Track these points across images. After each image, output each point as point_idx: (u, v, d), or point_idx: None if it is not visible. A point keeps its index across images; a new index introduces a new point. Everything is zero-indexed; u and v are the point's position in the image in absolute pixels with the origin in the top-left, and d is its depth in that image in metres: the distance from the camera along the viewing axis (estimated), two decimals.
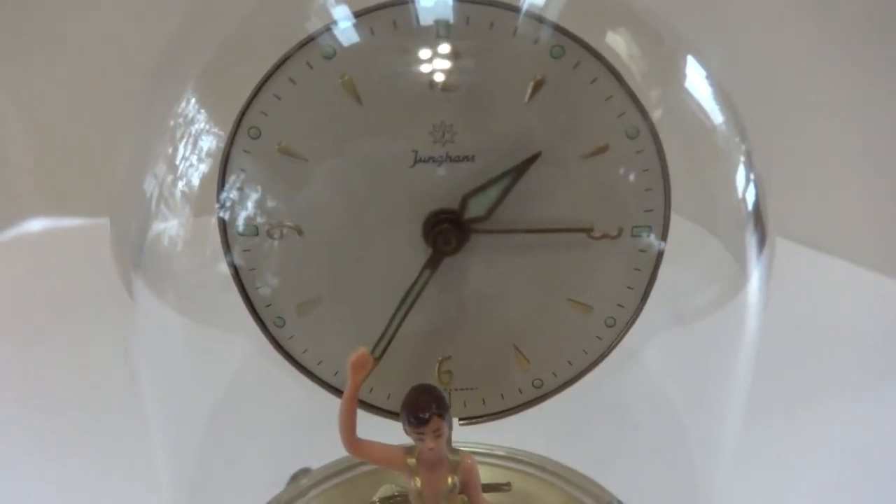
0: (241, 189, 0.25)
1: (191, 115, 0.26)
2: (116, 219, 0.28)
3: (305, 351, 0.28)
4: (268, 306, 0.27)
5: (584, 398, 0.28)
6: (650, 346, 0.29)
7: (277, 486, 0.32)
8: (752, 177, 0.27)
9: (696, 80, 0.27)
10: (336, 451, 0.25)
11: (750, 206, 0.27)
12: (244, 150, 0.25)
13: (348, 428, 0.23)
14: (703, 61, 0.26)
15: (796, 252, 0.66)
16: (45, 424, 0.47)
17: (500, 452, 0.36)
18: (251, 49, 0.26)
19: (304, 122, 0.25)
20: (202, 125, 0.26)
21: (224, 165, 0.25)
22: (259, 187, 0.25)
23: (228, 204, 0.25)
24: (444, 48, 0.24)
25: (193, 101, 0.26)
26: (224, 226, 0.26)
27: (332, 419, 0.25)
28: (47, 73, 0.74)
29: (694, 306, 0.28)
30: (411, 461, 0.23)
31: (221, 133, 0.25)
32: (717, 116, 0.26)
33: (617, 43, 0.25)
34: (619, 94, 0.25)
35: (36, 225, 0.79)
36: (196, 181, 0.26)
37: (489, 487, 0.27)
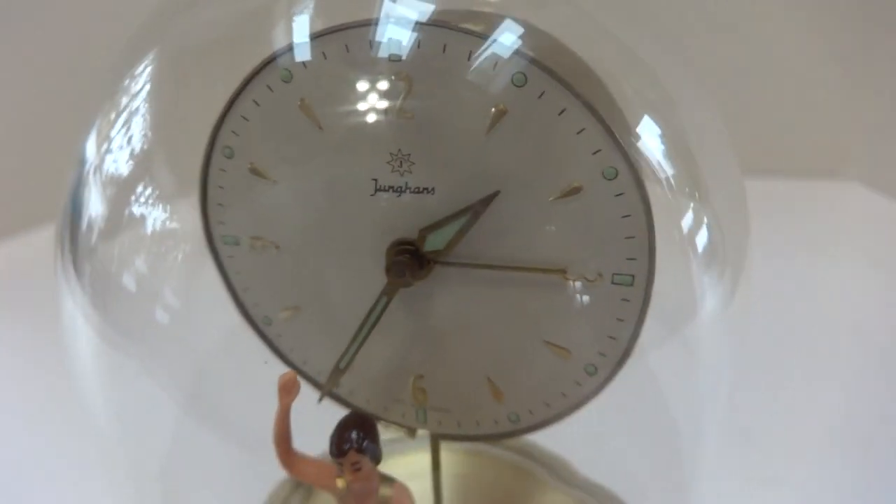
0: (220, 205, 0.26)
1: (137, 92, 0.26)
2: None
3: (292, 349, 0.29)
4: (255, 305, 0.29)
5: None
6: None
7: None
8: (704, 220, 0.24)
9: (650, 139, 0.22)
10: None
11: (700, 248, 0.24)
12: (220, 169, 0.26)
13: (282, 445, 0.24)
14: (660, 119, 0.22)
15: None
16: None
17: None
18: (217, 53, 0.26)
19: (269, 144, 0.25)
20: (141, 109, 0.26)
21: (204, 180, 0.26)
22: (236, 204, 0.26)
23: (211, 215, 0.27)
24: (396, 72, 0.22)
25: (147, 72, 0.27)
26: (210, 233, 0.27)
27: (314, 418, 0.27)
28: None
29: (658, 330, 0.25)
30: (342, 485, 0.24)
31: (149, 132, 0.25)
32: (668, 169, 0.22)
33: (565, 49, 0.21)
34: (593, 129, 0.21)
35: None
36: (121, 170, 0.26)
37: None
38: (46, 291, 0.27)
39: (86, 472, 0.38)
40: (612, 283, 0.23)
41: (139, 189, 0.26)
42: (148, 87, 0.26)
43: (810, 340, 0.52)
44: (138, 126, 0.26)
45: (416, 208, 0.24)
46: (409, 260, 0.24)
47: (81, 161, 0.26)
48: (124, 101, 0.26)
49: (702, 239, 0.24)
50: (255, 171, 0.25)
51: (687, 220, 0.24)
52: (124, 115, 0.26)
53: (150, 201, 0.26)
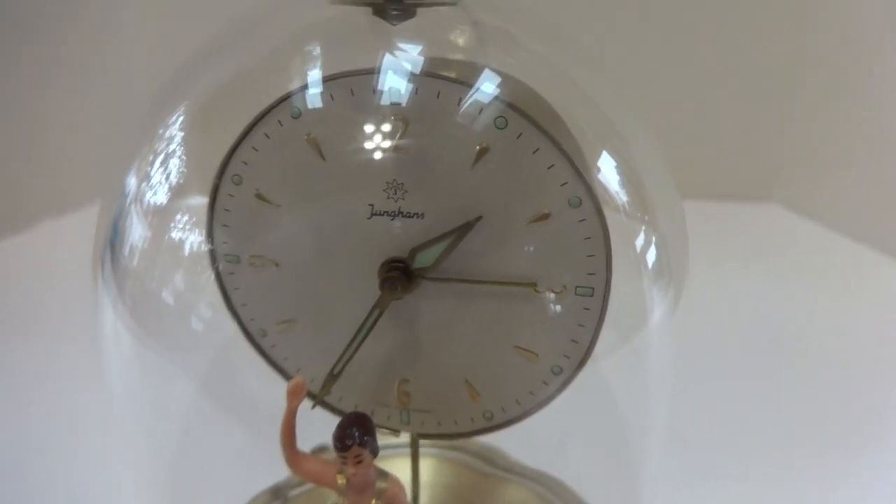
0: (225, 226, 0.29)
1: (173, 138, 0.30)
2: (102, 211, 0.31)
3: (286, 359, 0.32)
4: (251, 320, 0.31)
5: None
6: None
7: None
8: (653, 240, 0.29)
9: (607, 171, 0.27)
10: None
11: (650, 264, 0.29)
12: (229, 195, 0.29)
13: (288, 446, 0.27)
14: (615, 154, 0.27)
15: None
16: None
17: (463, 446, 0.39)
18: (238, 98, 0.29)
19: (276, 172, 0.28)
20: (177, 154, 0.29)
21: (212, 204, 0.29)
22: (241, 225, 0.29)
23: (216, 236, 0.29)
24: (396, 114, 0.26)
25: (179, 122, 0.30)
26: (213, 252, 0.30)
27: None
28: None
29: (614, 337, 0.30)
30: (341, 481, 0.27)
31: (185, 169, 0.28)
32: (623, 197, 0.27)
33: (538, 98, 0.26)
34: (561, 164, 0.25)
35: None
36: (162, 201, 0.29)
37: None
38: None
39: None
40: (576, 294, 0.27)
41: (178, 217, 0.28)
42: (181, 133, 0.29)
43: (739, 346, 0.58)
44: (175, 165, 0.29)
45: (408, 231, 0.27)
46: (400, 276, 0.28)
47: (123, 195, 0.29)
48: (160, 145, 0.29)
49: (651, 256, 0.28)
50: (260, 197, 0.28)
51: (639, 241, 0.28)
52: (161, 156, 0.29)
53: (188, 227, 0.29)
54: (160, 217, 0.29)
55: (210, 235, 0.29)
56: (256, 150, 0.28)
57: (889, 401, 0.52)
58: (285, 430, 0.27)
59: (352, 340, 0.29)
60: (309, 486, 0.40)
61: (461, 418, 0.32)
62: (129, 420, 0.32)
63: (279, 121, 0.27)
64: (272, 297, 0.30)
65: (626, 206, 0.27)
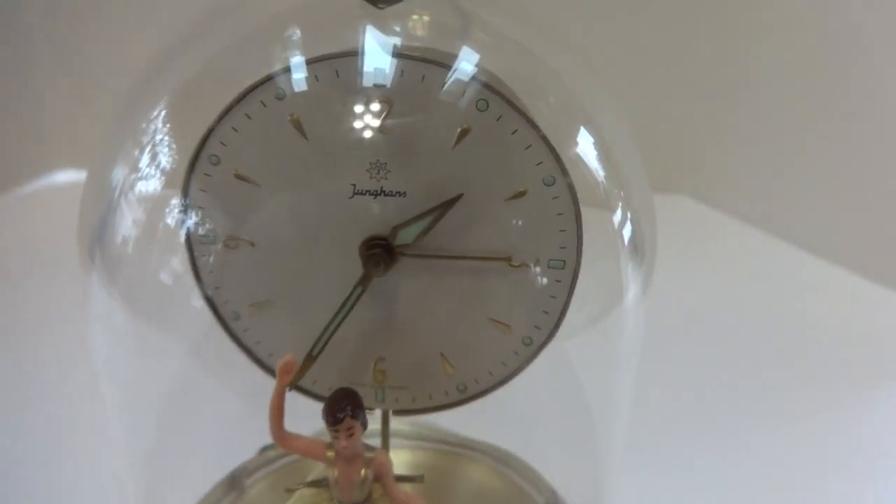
0: (201, 207, 0.29)
1: (158, 128, 0.29)
2: (84, 204, 0.31)
3: (258, 343, 0.32)
4: (225, 302, 0.31)
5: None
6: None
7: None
8: (628, 216, 0.31)
9: (586, 147, 0.29)
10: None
11: (626, 239, 0.31)
12: (205, 174, 0.28)
13: (277, 422, 0.27)
14: (593, 130, 0.29)
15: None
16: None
17: (432, 435, 0.40)
18: (217, 82, 0.29)
19: (257, 152, 0.28)
20: (165, 141, 0.29)
21: (187, 184, 0.28)
22: (218, 205, 0.29)
23: (190, 215, 0.29)
24: (380, 96, 0.27)
25: (163, 115, 0.30)
26: (187, 233, 0.29)
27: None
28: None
29: (592, 313, 0.32)
30: (330, 454, 0.27)
31: (177, 155, 0.28)
32: (600, 174, 0.29)
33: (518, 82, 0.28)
34: (537, 145, 0.27)
35: (63, 177, 0.84)
36: (154, 188, 0.29)
37: (404, 479, 0.31)
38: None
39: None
40: (548, 267, 0.29)
41: (214, 214, 0.28)
42: (164, 122, 0.29)
43: (657, 333, 0.62)
44: (163, 153, 0.28)
45: (389, 209, 0.28)
46: (382, 253, 0.28)
47: (110, 189, 0.28)
48: (145, 137, 0.28)
49: (627, 232, 0.31)
50: (240, 177, 0.28)
51: (616, 217, 0.30)
52: (149, 147, 0.28)
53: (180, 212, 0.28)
54: (153, 204, 0.28)
55: (184, 212, 0.29)
56: (236, 131, 0.28)
57: (805, 379, 0.58)
58: (274, 405, 0.27)
59: (332, 319, 0.30)
60: (266, 472, 0.40)
61: (435, 392, 0.33)
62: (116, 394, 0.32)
63: (262, 101, 0.27)
64: (247, 279, 0.30)
65: (605, 181, 0.29)
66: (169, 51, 0.30)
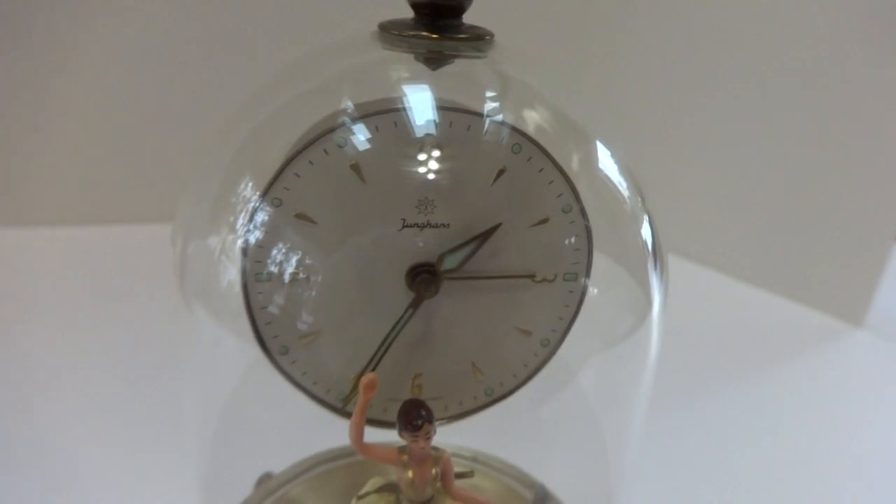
0: (260, 246, 0.31)
1: (247, 196, 0.32)
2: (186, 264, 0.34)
3: (304, 373, 0.34)
4: (275, 337, 0.33)
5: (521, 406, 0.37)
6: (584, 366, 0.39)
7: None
8: (650, 225, 0.36)
9: (605, 161, 0.36)
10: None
11: (650, 248, 0.37)
12: (267, 216, 0.31)
13: (358, 434, 0.30)
14: (607, 145, 0.35)
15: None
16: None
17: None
18: (282, 135, 0.32)
19: (317, 194, 0.31)
20: (255, 203, 0.31)
21: (248, 227, 0.31)
22: (277, 243, 0.31)
23: (250, 256, 0.31)
24: (431, 142, 0.31)
25: (250, 185, 0.32)
26: (244, 272, 0.32)
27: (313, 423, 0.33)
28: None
29: (616, 331, 0.37)
30: (405, 458, 0.31)
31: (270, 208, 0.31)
32: (623, 187, 0.36)
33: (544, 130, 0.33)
34: (558, 180, 0.33)
35: None
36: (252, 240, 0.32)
37: (458, 476, 0.35)
38: None
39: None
40: (564, 280, 0.35)
41: (273, 252, 0.31)
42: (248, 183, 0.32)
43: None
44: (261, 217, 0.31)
45: (433, 239, 0.32)
46: (430, 277, 0.33)
47: (209, 252, 0.32)
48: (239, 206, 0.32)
49: (649, 242, 0.37)
50: (300, 216, 0.31)
51: (644, 230, 0.36)
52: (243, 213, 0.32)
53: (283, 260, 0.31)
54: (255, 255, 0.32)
55: (244, 252, 0.31)
56: (299, 176, 0.31)
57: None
58: (356, 421, 0.30)
59: (383, 341, 0.33)
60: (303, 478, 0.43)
61: (466, 398, 0.37)
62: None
63: (325, 150, 0.30)
64: (300, 312, 0.33)
65: (628, 193, 0.35)
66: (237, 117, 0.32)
